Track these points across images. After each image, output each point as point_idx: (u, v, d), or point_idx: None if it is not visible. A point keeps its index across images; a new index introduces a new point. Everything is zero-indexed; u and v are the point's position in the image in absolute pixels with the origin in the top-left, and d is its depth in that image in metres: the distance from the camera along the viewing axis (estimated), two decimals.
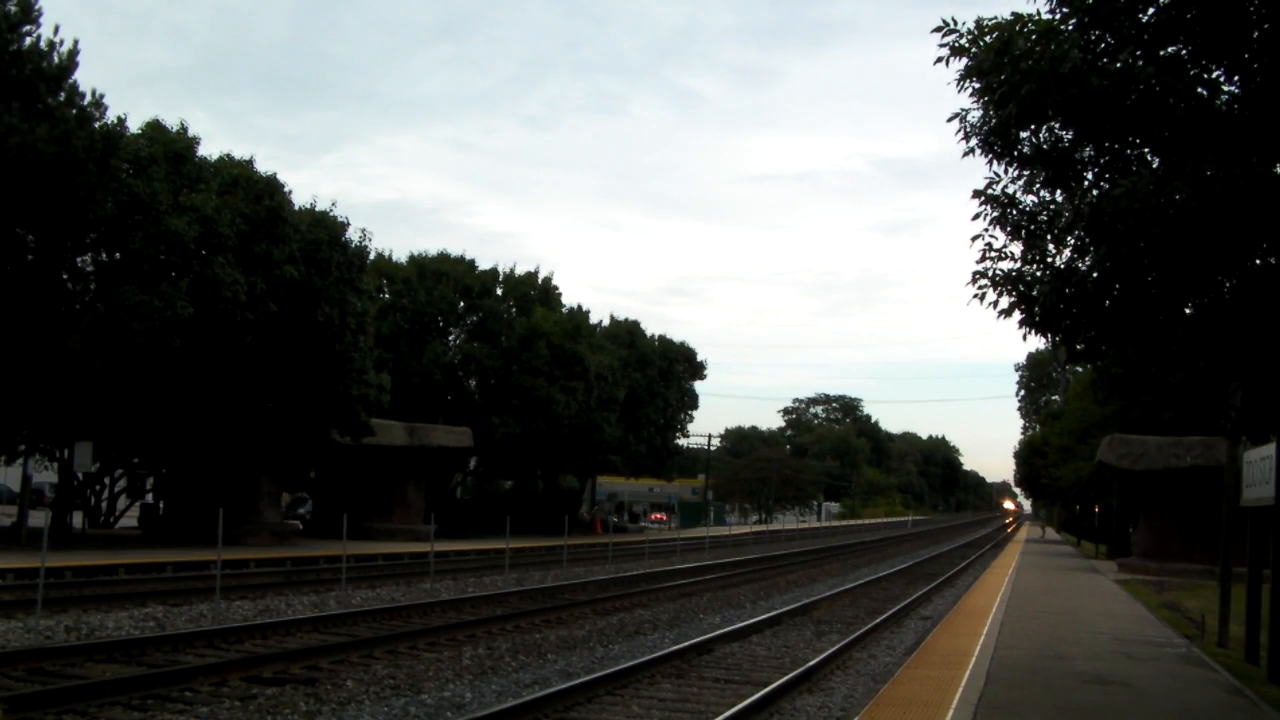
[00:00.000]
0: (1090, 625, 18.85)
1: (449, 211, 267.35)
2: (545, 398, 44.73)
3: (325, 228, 31.18)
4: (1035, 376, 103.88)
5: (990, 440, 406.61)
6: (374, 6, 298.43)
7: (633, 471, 61.23)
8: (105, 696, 10.73)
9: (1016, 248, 10.81)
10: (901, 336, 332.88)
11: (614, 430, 50.48)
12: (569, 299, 65.40)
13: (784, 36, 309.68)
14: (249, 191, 29.06)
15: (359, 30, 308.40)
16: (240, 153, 67.13)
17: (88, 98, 25.02)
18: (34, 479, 35.94)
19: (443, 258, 48.88)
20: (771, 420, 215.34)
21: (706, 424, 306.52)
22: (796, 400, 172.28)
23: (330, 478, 40.90)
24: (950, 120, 10.70)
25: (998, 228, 10.83)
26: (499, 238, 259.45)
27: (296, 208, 30.85)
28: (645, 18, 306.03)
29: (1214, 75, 9.64)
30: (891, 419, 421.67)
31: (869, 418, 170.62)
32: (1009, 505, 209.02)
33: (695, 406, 63.84)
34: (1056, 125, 10.09)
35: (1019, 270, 10.71)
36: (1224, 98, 9.68)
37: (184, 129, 29.32)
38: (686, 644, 15.29)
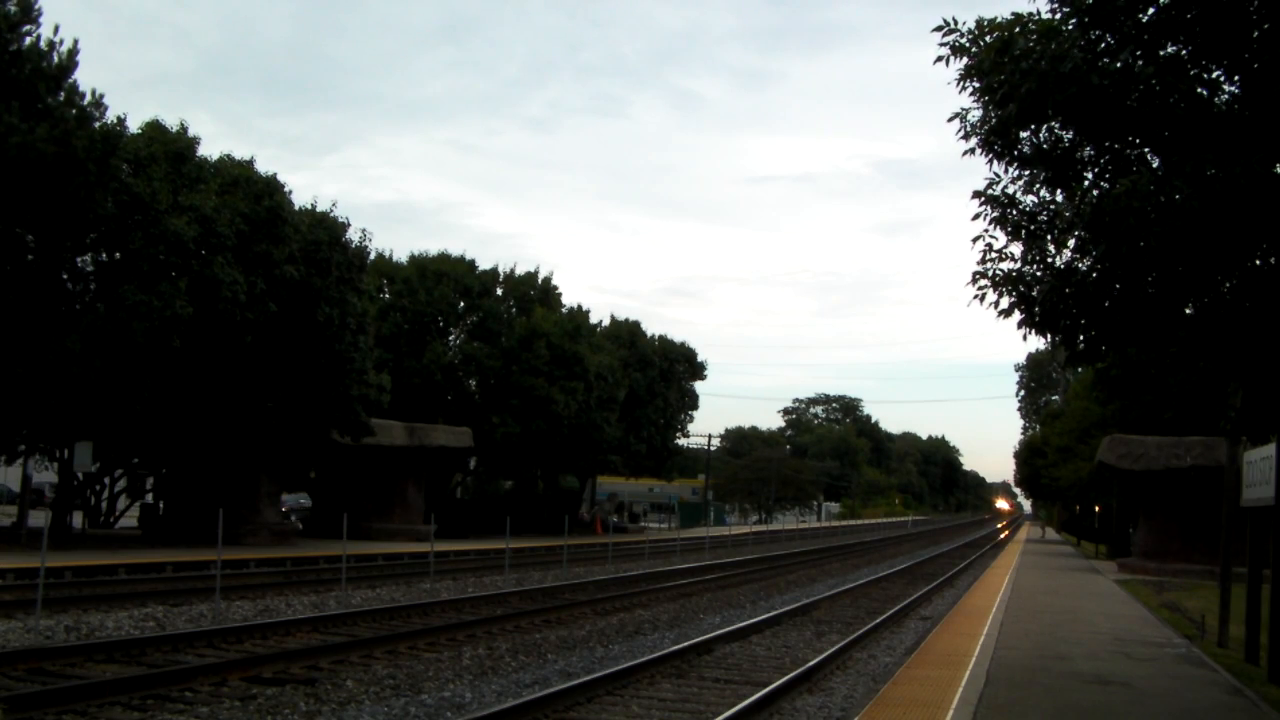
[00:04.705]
0: (1090, 625, 18.84)
1: (450, 212, 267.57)
2: (545, 398, 44.72)
3: (325, 228, 31.16)
4: (1035, 376, 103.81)
5: (990, 440, 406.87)
6: (376, 9, 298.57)
7: (633, 471, 61.20)
8: (105, 696, 10.72)
9: (1017, 248, 10.82)
10: (901, 336, 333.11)
11: (614, 430, 50.46)
12: (569, 299, 65.43)
13: (784, 39, 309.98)
14: (249, 191, 29.03)
15: (362, 33, 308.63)
16: (243, 154, 67.15)
17: (87, 97, 25.02)
18: (34, 479, 35.92)
19: (443, 258, 48.86)
20: (771, 420, 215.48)
21: (706, 424, 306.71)
22: (796, 400, 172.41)
23: (330, 478, 40.88)
24: (950, 120, 10.72)
25: (998, 228, 10.83)
26: (500, 238, 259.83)
27: (297, 208, 30.83)
28: (646, 21, 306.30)
29: (1214, 75, 9.64)
30: (891, 419, 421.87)
31: (869, 418, 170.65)
32: (1003, 505, 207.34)
33: (695, 406, 63.82)
34: (1057, 125, 10.09)
35: (1019, 270, 10.71)
36: (1224, 98, 9.68)
37: (184, 129, 29.29)
38: (686, 644, 15.28)
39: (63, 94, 24.59)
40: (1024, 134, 10.29)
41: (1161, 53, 9.36)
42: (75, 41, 24.81)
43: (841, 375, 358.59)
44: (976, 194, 10.89)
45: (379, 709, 10.98)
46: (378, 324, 38.41)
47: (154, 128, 29.33)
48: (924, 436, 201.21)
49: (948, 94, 19.00)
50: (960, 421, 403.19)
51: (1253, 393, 13.80)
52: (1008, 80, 9.63)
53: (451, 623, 17.23)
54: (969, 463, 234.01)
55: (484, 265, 50.12)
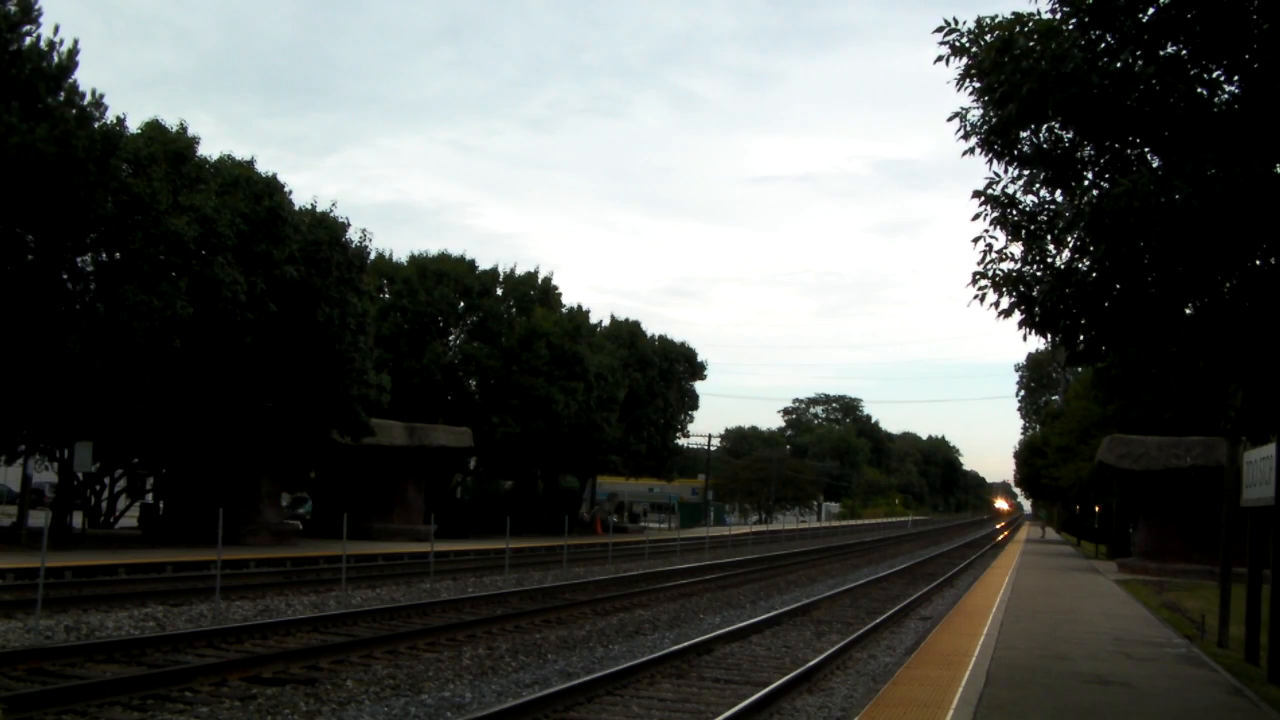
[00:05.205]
0: (1090, 625, 18.84)
1: (451, 213, 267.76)
2: (545, 398, 44.71)
3: (325, 228, 31.15)
4: (1035, 376, 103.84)
5: (990, 440, 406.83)
6: (377, 10, 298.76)
7: (633, 471, 61.19)
8: (105, 696, 10.72)
9: (1017, 248, 10.81)
10: (901, 337, 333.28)
11: (614, 430, 50.44)
12: (569, 299, 65.38)
13: (784, 40, 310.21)
14: (249, 191, 29.03)
15: (362, 33, 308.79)
16: (244, 154, 67.14)
17: (87, 97, 25.03)
18: (34, 479, 35.90)
19: (443, 258, 48.86)
20: (771, 420, 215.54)
21: (706, 424, 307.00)
22: (796, 400, 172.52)
23: (330, 478, 40.87)
24: (950, 120, 10.71)
25: (998, 228, 10.83)
26: (500, 239, 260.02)
27: (297, 208, 30.84)
28: (647, 21, 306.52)
29: (1214, 75, 9.64)
30: (891, 419, 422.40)
31: (869, 418, 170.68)
32: (1002, 505, 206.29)
33: (695, 407, 63.81)
34: (1057, 125, 10.09)
35: (1019, 270, 10.71)
36: (1224, 98, 9.68)
37: (183, 129, 29.29)
38: (686, 644, 15.28)
39: (63, 94, 24.59)
40: (1024, 134, 10.29)
41: (1161, 53, 9.36)
42: (75, 41, 24.86)
43: (841, 375, 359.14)
44: (976, 194, 10.89)
45: (379, 709, 10.98)
46: (378, 324, 38.39)
47: (154, 128, 29.32)
48: (924, 436, 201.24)
49: (948, 94, 18.99)
50: (960, 421, 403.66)
51: (1253, 393, 13.79)
52: (1008, 80, 9.63)
53: (451, 623, 17.23)
54: (969, 463, 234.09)
55: (484, 265, 50.16)
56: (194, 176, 28.26)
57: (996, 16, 10.05)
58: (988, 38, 10.01)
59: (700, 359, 63.21)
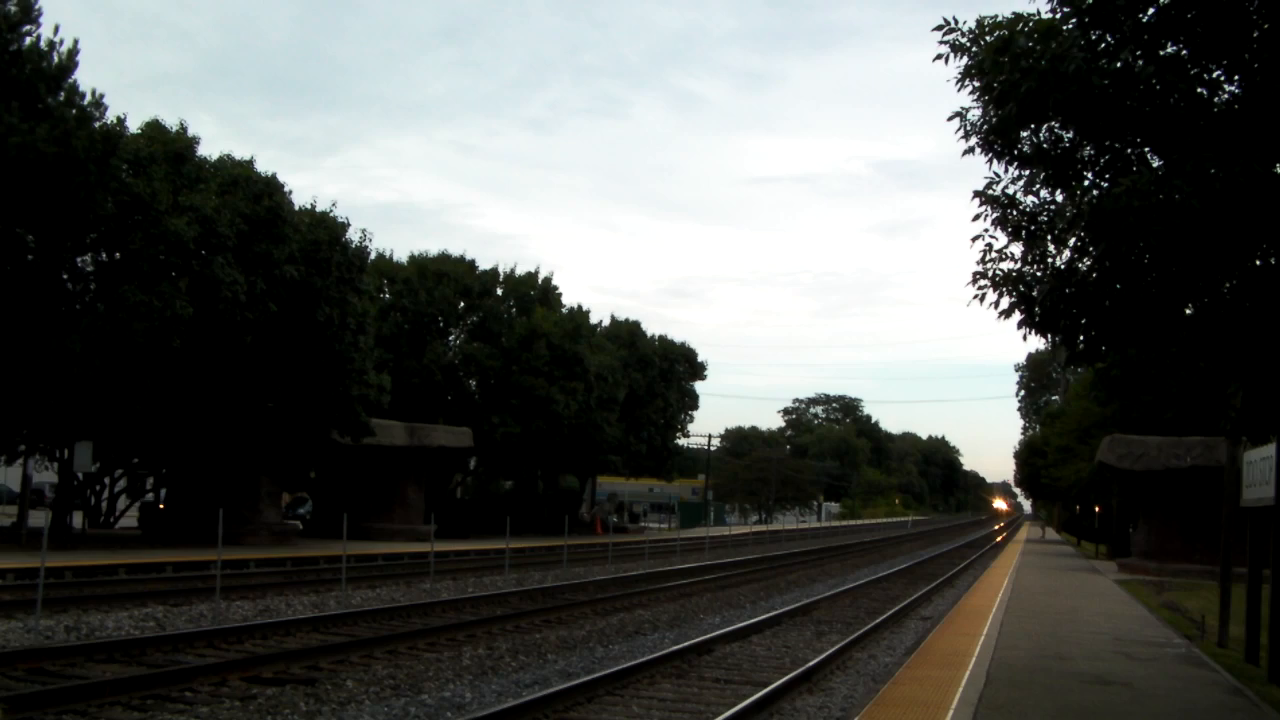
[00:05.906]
0: (1090, 625, 18.84)
1: (451, 213, 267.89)
2: (545, 398, 44.71)
3: (325, 228, 31.15)
4: (1035, 377, 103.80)
5: (990, 440, 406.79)
6: (378, 10, 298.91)
7: (633, 471, 61.19)
8: (105, 696, 10.72)
9: (1017, 248, 10.81)
10: (901, 337, 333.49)
11: (614, 430, 50.45)
12: (570, 299, 65.29)
13: (784, 40, 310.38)
14: (249, 191, 29.03)
15: (363, 34, 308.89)
16: (245, 155, 67.20)
17: (87, 98, 25.05)
18: (34, 479, 35.91)
19: (443, 258, 48.86)
20: (771, 420, 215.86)
21: (706, 424, 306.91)
22: (796, 400, 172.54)
23: (330, 478, 40.87)
24: (950, 119, 10.71)
25: (998, 228, 10.82)
26: (501, 239, 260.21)
27: (297, 208, 30.83)
28: (647, 22, 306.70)
29: (1214, 75, 9.64)
30: (891, 419, 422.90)
31: (869, 418, 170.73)
32: (1001, 505, 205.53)
33: (695, 407, 63.80)
34: (1057, 124, 10.09)
35: (1019, 270, 10.70)
36: (1224, 97, 9.68)
37: (183, 129, 29.29)
38: (686, 644, 15.27)
39: (63, 94, 24.60)
40: (1024, 133, 10.29)
41: (1161, 53, 9.36)
42: (75, 42, 24.88)
43: (841, 375, 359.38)
44: (977, 194, 10.88)
45: (379, 709, 10.97)
46: (378, 324, 38.39)
47: (154, 128, 29.32)
48: (924, 436, 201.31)
49: (947, 94, 19.02)
50: (960, 421, 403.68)
51: (1253, 393, 13.80)
52: (1008, 79, 9.63)
53: (451, 623, 17.22)
54: (969, 463, 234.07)
55: (484, 265, 50.21)
56: (194, 176, 28.25)
57: (996, 16, 10.06)
58: (988, 37, 10.01)
59: (700, 359, 63.26)
